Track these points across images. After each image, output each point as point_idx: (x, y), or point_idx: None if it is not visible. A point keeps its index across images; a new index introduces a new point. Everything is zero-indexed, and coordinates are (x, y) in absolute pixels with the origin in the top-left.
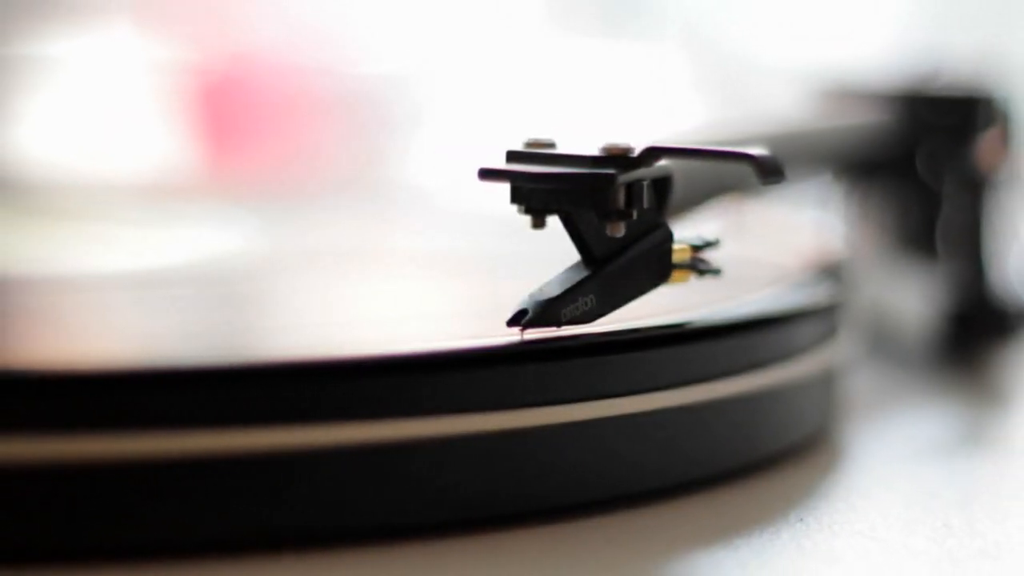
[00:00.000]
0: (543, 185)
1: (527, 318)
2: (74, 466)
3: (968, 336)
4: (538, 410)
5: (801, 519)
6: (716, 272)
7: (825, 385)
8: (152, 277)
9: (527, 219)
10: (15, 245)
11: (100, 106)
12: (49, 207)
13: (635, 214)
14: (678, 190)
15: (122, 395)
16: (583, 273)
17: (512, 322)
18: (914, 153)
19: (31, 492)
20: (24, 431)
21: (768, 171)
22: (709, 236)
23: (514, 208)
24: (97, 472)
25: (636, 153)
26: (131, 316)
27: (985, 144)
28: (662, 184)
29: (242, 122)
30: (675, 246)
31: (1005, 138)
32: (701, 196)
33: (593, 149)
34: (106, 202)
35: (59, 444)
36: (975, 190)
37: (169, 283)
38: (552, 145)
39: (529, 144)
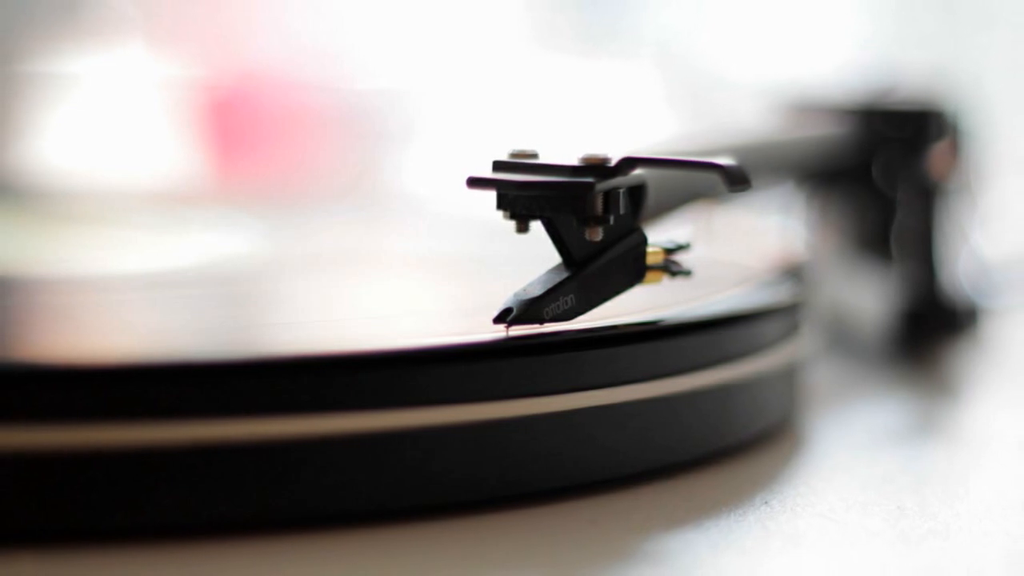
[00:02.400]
0: (527, 193)
1: (512, 316)
2: (90, 452)
3: (920, 332)
4: (522, 401)
5: (766, 502)
6: (687, 273)
7: (788, 378)
8: (164, 278)
9: (512, 224)
10: (37, 248)
11: (115, 119)
12: (68, 213)
13: (612, 219)
14: (652, 197)
15: (136, 386)
16: (563, 274)
17: (498, 320)
18: (871, 163)
19: (52, 477)
20: (45, 420)
21: (735, 180)
22: (681, 240)
23: (500, 214)
24: (112, 458)
25: (613, 163)
26: (145, 314)
27: (936, 154)
28: (637, 192)
29: (248, 134)
30: (649, 249)
31: (955, 149)
32: (673, 203)
33: (573, 159)
34: (121, 208)
35: (77, 432)
36: (927, 197)
37: (180, 283)
38: (535, 156)
39: (514, 154)
